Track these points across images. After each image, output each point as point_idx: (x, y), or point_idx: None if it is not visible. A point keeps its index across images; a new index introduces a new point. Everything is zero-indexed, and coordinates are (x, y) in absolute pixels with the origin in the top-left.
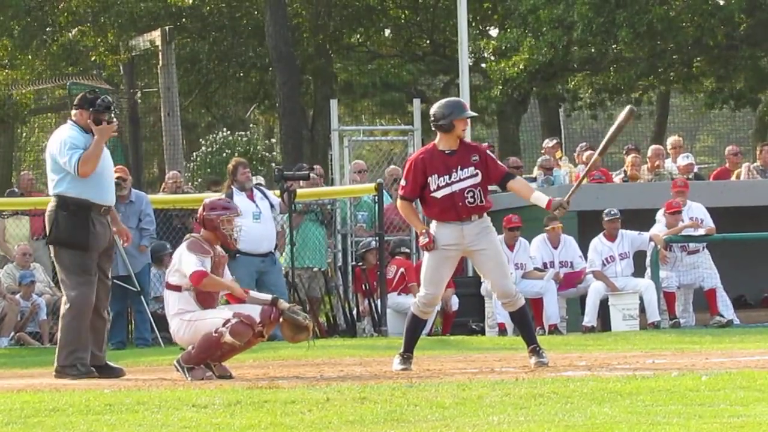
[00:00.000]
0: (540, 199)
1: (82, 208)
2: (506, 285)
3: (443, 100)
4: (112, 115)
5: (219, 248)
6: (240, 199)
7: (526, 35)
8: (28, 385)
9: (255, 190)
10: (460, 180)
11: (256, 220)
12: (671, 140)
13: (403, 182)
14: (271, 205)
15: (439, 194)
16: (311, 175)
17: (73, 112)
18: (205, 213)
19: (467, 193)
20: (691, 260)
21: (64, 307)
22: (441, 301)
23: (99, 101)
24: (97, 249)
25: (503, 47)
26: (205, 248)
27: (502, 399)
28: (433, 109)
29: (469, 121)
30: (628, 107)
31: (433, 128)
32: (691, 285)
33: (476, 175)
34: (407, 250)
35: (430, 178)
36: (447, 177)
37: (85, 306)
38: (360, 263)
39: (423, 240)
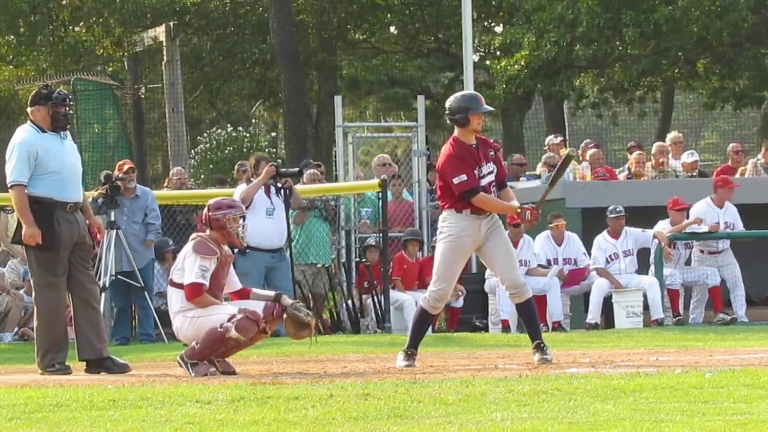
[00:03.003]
0: (512, 208)
1: (46, 206)
2: (516, 276)
3: (459, 94)
4: (68, 108)
5: (226, 247)
6: (257, 193)
7: (528, 31)
8: (32, 381)
9: (271, 187)
10: (487, 174)
11: (269, 216)
12: (671, 136)
13: (463, 177)
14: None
15: None
16: (308, 171)
17: (30, 110)
18: (210, 213)
19: (491, 188)
20: (715, 260)
21: (35, 311)
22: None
23: (55, 94)
24: (64, 248)
25: (507, 41)
26: (212, 248)
27: (506, 396)
28: (449, 102)
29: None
30: (568, 150)
31: (448, 121)
32: (694, 282)
33: (494, 171)
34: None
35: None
36: (478, 170)
37: (49, 310)
38: (364, 260)
39: (528, 215)
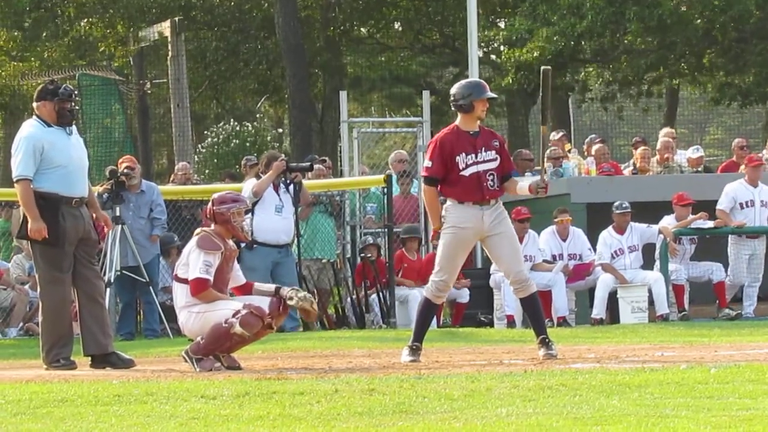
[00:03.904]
0: (523, 188)
1: (52, 202)
2: (520, 270)
3: (464, 81)
4: (74, 104)
5: (230, 242)
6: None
7: (535, 25)
8: (37, 376)
9: (280, 184)
10: (485, 161)
11: (277, 213)
12: (663, 132)
13: (428, 163)
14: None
15: (467, 172)
16: (315, 166)
17: (36, 104)
18: (215, 207)
19: (488, 176)
20: (750, 244)
21: (40, 306)
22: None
23: (62, 90)
24: (69, 243)
25: (513, 38)
26: (216, 243)
27: (511, 391)
28: (454, 89)
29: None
30: (541, 70)
31: (453, 108)
32: (700, 278)
33: (496, 159)
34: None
35: (458, 157)
36: (474, 156)
37: (55, 306)
38: (369, 255)
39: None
